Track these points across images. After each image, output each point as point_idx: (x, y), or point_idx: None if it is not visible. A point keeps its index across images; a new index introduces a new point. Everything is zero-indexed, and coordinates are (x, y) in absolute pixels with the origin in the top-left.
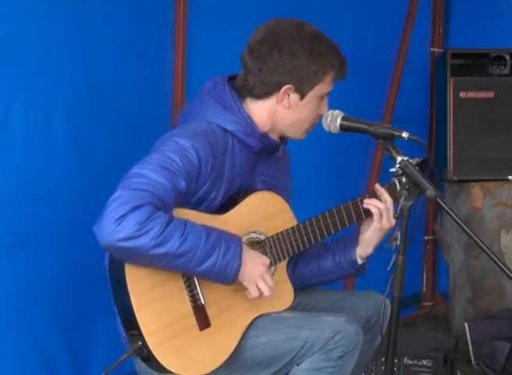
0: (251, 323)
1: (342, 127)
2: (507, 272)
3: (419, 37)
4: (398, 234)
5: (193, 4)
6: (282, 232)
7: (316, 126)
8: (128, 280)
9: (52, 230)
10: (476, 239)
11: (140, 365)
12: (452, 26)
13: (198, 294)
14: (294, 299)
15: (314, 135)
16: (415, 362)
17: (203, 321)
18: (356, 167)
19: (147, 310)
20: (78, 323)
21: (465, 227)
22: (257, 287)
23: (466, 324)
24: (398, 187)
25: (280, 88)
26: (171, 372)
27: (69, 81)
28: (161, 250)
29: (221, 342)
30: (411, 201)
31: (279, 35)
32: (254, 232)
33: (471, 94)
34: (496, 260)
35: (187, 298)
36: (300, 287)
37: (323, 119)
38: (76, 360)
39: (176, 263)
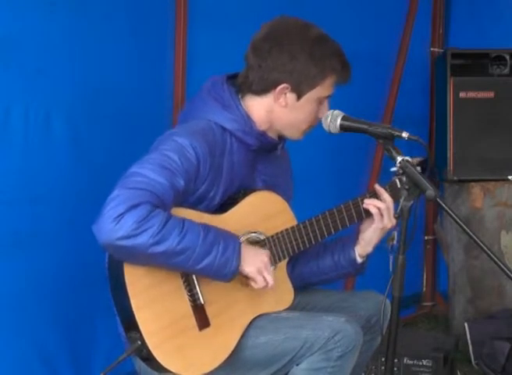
0: (251, 322)
1: (342, 127)
2: (507, 272)
3: (419, 37)
4: (395, 235)
5: (193, 4)
6: (281, 232)
7: (316, 127)
8: (127, 280)
9: (52, 230)
10: (476, 239)
11: (140, 364)
12: (452, 26)
13: (197, 293)
14: (294, 299)
15: (314, 135)
16: (415, 362)
17: (202, 321)
18: (356, 167)
19: (146, 310)
20: (78, 323)
21: (465, 227)
22: (263, 276)
23: (466, 324)
24: (399, 186)
25: (277, 86)
26: (170, 372)
27: (69, 81)
28: (160, 248)
29: (220, 342)
30: (411, 201)
31: (282, 34)
32: (254, 232)
33: (471, 94)
34: (496, 260)
35: (186, 298)
36: (300, 286)
37: (323, 119)
38: (76, 360)
39: (174, 261)
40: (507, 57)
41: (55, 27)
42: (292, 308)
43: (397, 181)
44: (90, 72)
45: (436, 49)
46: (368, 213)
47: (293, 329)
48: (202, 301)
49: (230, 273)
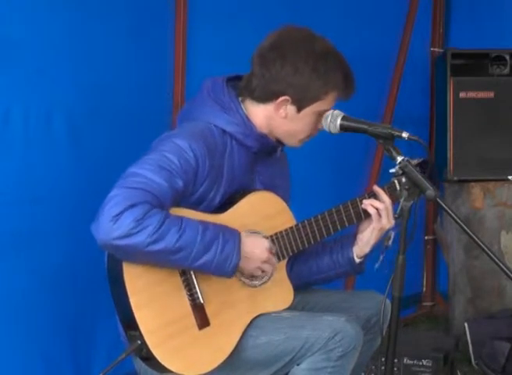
0: (251, 322)
1: (342, 127)
2: (507, 272)
3: (419, 37)
4: (392, 235)
5: (193, 3)
6: (281, 232)
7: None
8: (126, 278)
9: (52, 231)
10: (476, 239)
11: (140, 365)
12: (452, 26)
13: (197, 293)
14: (294, 299)
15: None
16: (415, 362)
17: (202, 320)
18: (356, 167)
19: (145, 309)
20: (79, 323)
21: (465, 227)
22: (262, 269)
23: (466, 324)
24: (398, 187)
25: (278, 98)
26: (171, 371)
27: (69, 81)
28: (158, 246)
29: (220, 341)
30: (411, 202)
31: (288, 45)
32: (253, 231)
33: (471, 94)
34: (496, 260)
35: (186, 298)
36: (299, 285)
37: (323, 119)
38: (76, 360)
39: (174, 258)
40: (507, 57)
41: (56, 27)
42: (292, 308)
43: (396, 182)
44: (90, 72)
45: (436, 49)
46: (367, 214)
47: (293, 329)
48: (202, 301)
49: (231, 269)
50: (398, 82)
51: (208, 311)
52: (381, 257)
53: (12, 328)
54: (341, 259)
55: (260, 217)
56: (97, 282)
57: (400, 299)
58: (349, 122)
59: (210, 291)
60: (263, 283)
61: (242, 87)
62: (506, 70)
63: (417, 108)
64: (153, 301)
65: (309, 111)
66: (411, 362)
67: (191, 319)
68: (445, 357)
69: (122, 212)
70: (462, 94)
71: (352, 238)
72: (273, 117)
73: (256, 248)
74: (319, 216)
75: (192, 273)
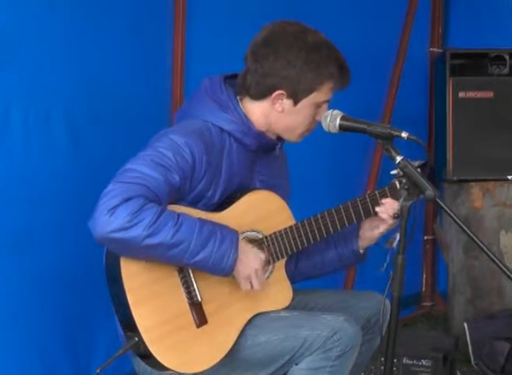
0: (250, 321)
1: (341, 127)
2: (507, 272)
3: (418, 37)
4: (397, 237)
5: (192, 3)
6: (280, 231)
7: (314, 128)
8: (124, 275)
9: (51, 230)
10: (476, 239)
11: (139, 365)
12: (451, 26)
13: (195, 290)
14: (293, 298)
15: (314, 135)
16: (415, 362)
17: (200, 318)
18: (355, 167)
19: (143, 306)
20: (77, 323)
21: (465, 227)
22: (250, 281)
23: (465, 324)
24: (399, 188)
25: (273, 92)
26: (168, 369)
27: (68, 81)
28: (154, 240)
29: (218, 340)
30: (411, 202)
31: (280, 40)
32: (252, 230)
33: (471, 94)
34: (496, 260)
35: (184, 295)
36: (302, 279)
37: (322, 119)
38: (75, 360)
39: (170, 254)
40: (507, 57)
41: (55, 27)
42: (291, 307)
43: (397, 183)
44: (89, 71)
45: (435, 49)
46: (368, 214)
47: (292, 328)
48: (199, 299)
49: (228, 267)
50: (397, 82)
51: (206, 309)
52: (388, 259)
53: (10, 328)
54: (346, 252)
55: (259, 216)
56: (95, 282)
57: (399, 299)
58: (348, 122)
59: (208, 289)
60: (265, 279)
61: (238, 84)
62: (506, 70)
63: (416, 108)
64: (151, 298)
65: (306, 103)
66: (411, 362)
67: (189, 317)
68: (444, 357)
69: (117, 206)
70: (461, 94)
71: (355, 232)
72: (270, 113)
73: (251, 255)
74: (319, 216)
75: (190, 270)
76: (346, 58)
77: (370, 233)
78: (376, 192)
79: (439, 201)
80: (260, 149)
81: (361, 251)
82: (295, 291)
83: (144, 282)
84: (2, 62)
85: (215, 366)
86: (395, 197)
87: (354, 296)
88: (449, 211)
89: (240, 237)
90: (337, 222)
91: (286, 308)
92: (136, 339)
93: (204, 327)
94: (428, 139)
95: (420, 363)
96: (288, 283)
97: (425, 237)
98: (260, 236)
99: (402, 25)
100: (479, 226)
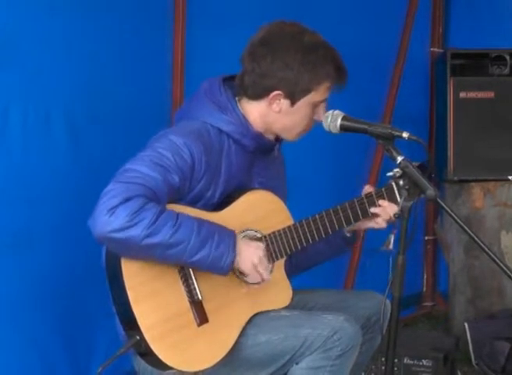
0: (250, 321)
1: (342, 127)
2: (507, 272)
3: (419, 37)
4: (392, 239)
5: (191, 4)
6: (279, 230)
7: (315, 127)
8: (124, 273)
9: (51, 231)
10: (476, 239)
11: (139, 364)
12: (452, 26)
13: (195, 289)
14: (293, 298)
15: (314, 135)
16: (415, 362)
17: (201, 317)
18: (356, 167)
19: (143, 304)
20: (77, 323)
21: (465, 227)
22: (258, 271)
23: (466, 324)
24: (395, 189)
25: (270, 93)
26: (169, 367)
27: (68, 81)
28: (154, 240)
29: (219, 338)
30: (411, 202)
31: (277, 40)
32: (251, 230)
33: (471, 95)
34: (497, 260)
35: (184, 294)
36: (298, 271)
37: (323, 119)
38: (75, 360)
39: (169, 253)
40: (507, 57)
41: (54, 27)
42: (291, 307)
43: (394, 185)
44: (89, 71)
45: (436, 49)
46: (365, 215)
47: (292, 328)
48: (200, 297)
49: (226, 266)
50: (398, 82)
51: (207, 307)
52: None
53: (10, 328)
54: (336, 239)
55: (257, 216)
56: (95, 282)
57: (399, 299)
58: (349, 122)
59: (209, 288)
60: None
61: (236, 85)
62: (506, 70)
63: (416, 109)
64: (151, 296)
65: (303, 103)
66: (411, 362)
67: (190, 316)
68: (445, 357)
69: (117, 206)
70: (462, 94)
71: None
72: (268, 113)
73: (251, 249)
74: (317, 216)
75: (190, 269)
76: (346, 58)
77: (358, 224)
78: (373, 193)
79: (439, 201)
80: (258, 150)
81: (348, 234)
82: (295, 291)
83: (145, 280)
84: (2, 61)
85: (216, 364)
86: (391, 198)
87: (354, 295)
88: (449, 211)
89: (239, 236)
90: (335, 222)
91: (286, 308)
92: (138, 337)
93: (205, 326)
94: (428, 139)
95: (420, 363)
96: (288, 282)
97: (426, 238)
98: (259, 235)
99: (402, 25)
100: (480, 226)
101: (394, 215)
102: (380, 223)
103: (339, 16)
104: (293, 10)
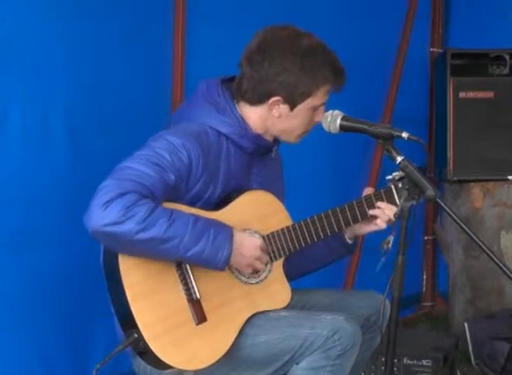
0: (250, 321)
1: (342, 127)
2: (507, 272)
3: (419, 37)
4: (391, 239)
5: (192, 3)
6: (277, 231)
7: (315, 127)
8: (122, 271)
9: (50, 230)
10: (476, 239)
11: (138, 365)
12: (451, 26)
13: (193, 288)
14: (292, 298)
15: (314, 135)
16: (415, 362)
17: (199, 315)
18: (356, 167)
19: (141, 302)
20: (77, 323)
21: (465, 227)
22: (254, 269)
23: (466, 324)
24: (394, 192)
25: (269, 98)
26: (167, 366)
27: (67, 82)
28: (147, 235)
29: (218, 338)
30: (411, 202)
31: (273, 46)
32: (249, 230)
33: (471, 95)
34: (496, 260)
35: (182, 292)
36: (297, 276)
37: (323, 120)
38: (75, 360)
39: (163, 248)
40: (507, 57)
41: (54, 27)
42: (291, 307)
43: (393, 187)
44: (89, 72)
45: (436, 49)
46: (364, 216)
47: (292, 328)
48: (198, 296)
49: (222, 262)
50: (397, 82)
51: (205, 307)
52: (382, 259)
53: (10, 327)
54: (334, 245)
55: (256, 216)
56: (94, 282)
57: (399, 299)
58: (349, 122)
59: (207, 287)
60: (260, 282)
61: (234, 89)
62: (506, 70)
63: (416, 109)
64: (150, 294)
65: (302, 107)
66: (411, 362)
67: (188, 314)
68: (445, 357)
69: (112, 200)
70: (462, 95)
71: None
72: (267, 118)
73: (248, 245)
74: (315, 217)
75: (188, 268)
76: (346, 58)
77: (358, 229)
78: (372, 195)
79: (439, 201)
80: (256, 152)
81: (349, 241)
82: (294, 291)
83: (143, 278)
84: (1, 62)
85: (215, 363)
86: (390, 200)
87: (353, 295)
88: (449, 211)
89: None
90: (334, 224)
91: (286, 308)
92: (136, 335)
93: (204, 325)
94: (428, 139)
95: (420, 363)
96: (286, 282)
97: (426, 238)
98: (257, 235)
99: (402, 25)
100: (479, 226)
101: (394, 215)
102: (379, 224)
103: (339, 16)
104: (293, 10)
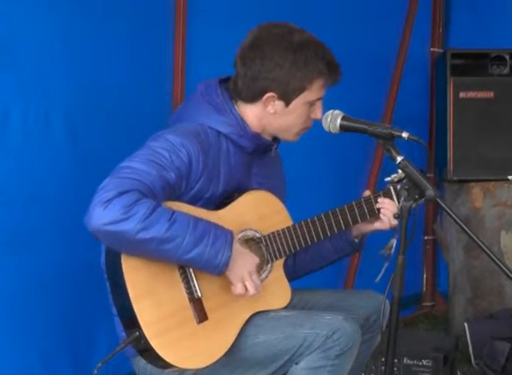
0: (249, 320)
1: (342, 127)
2: (507, 272)
3: (419, 37)
4: (394, 243)
5: (192, 3)
6: (278, 231)
7: (315, 127)
8: (124, 271)
9: (51, 230)
10: (476, 239)
11: (138, 365)
12: (452, 26)
13: (195, 286)
14: (292, 298)
15: (314, 135)
16: (415, 362)
17: (200, 314)
18: (356, 167)
19: (144, 300)
20: (77, 323)
21: (465, 227)
22: (244, 284)
23: (466, 324)
24: (393, 193)
25: (263, 95)
26: (168, 364)
27: (68, 81)
28: (148, 234)
29: (218, 337)
30: (411, 202)
31: (265, 42)
32: (250, 229)
33: (471, 94)
34: (496, 260)
35: (184, 291)
36: (304, 274)
37: (323, 119)
38: (75, 360)
39: (164, 249)
40: (507, 57)
41: (54, 27)
42: (291, 307)
43: (392, 189)
44: (89, 72)
45: (436, 49)
46: (364, 217)
47: (291, 328)
48: (199, 295)
49: (222, 265)
50: (398, 82)
51: (206, 305)
52: (385, 264)
53: (11, 328)
54: (340, 243)
55: (256, 216)
56: (96, 282)
57: (399, 299)
58: (349, 122)
59: (208, 286)
60: (261, 282)
61: (230, 89)
62: (506, 70)
63: (417, 109)
64: (152, 293)
65: (298, 103)
66: (411, 362)
67: (189, 313)
68: (445, 357)
69: (112, 199)
70: (462, 94)
71: None
72: (263, 115)
73: (246, 257)
74: (316, 218)
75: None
76: (346, 58)
77: (364, 226)
78: (371, 197)
79: (439, 201)
80: (256, 151)
81: (356, 240)
82: (294, 291)
83: (145, 277)
84: (1, 62)
85: (215, 362)
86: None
87: (353, 295)
88: (449, 211)
89: (238, 236)
90: (334, 224)
91: (286, 308)
92: (137, 333)
93: (205, 324)
94: (428, 139)
95: (420, 363)
96: (286, 283)
97: (426, 238)
98: (258, 235)
99: (402, 25)
100: (479, 226)
101: (394, 215)
102: (384, 220)
103: (339, 16)
104: (294, 10)
